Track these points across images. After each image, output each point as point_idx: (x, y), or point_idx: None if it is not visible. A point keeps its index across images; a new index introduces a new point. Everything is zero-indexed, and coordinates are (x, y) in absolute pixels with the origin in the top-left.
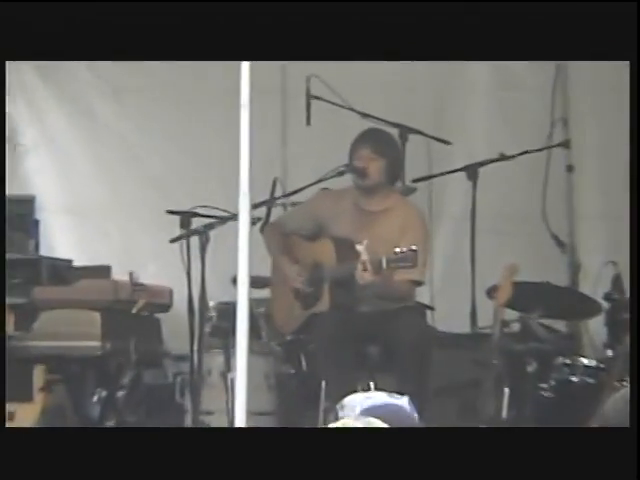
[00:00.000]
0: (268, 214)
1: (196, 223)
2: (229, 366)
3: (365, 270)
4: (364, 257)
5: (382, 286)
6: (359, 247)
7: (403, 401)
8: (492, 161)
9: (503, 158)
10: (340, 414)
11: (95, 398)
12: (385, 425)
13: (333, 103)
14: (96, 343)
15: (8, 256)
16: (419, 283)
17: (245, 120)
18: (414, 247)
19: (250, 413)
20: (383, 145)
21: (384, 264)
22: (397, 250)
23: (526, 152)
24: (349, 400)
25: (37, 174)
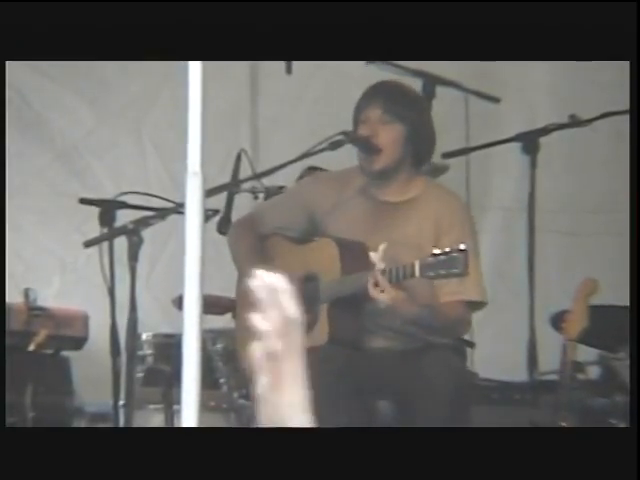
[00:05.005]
0: (229, 205)
1: (123, 218)
2: None
3: (377, 286)
4: (379, 267)
5: (417, 310)
6: (373, 255)
7: None
8: (559, 127)
9: (575, 123)
10: None
11: None
12: None
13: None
14: None
15: None
16: (478, 305)
17: (195, 66)
18: (462, 246)
19: None
20: (402, 103)
21: (417, 271)
22: (436, 252)
23: (608, 114)
24: None
25: None
